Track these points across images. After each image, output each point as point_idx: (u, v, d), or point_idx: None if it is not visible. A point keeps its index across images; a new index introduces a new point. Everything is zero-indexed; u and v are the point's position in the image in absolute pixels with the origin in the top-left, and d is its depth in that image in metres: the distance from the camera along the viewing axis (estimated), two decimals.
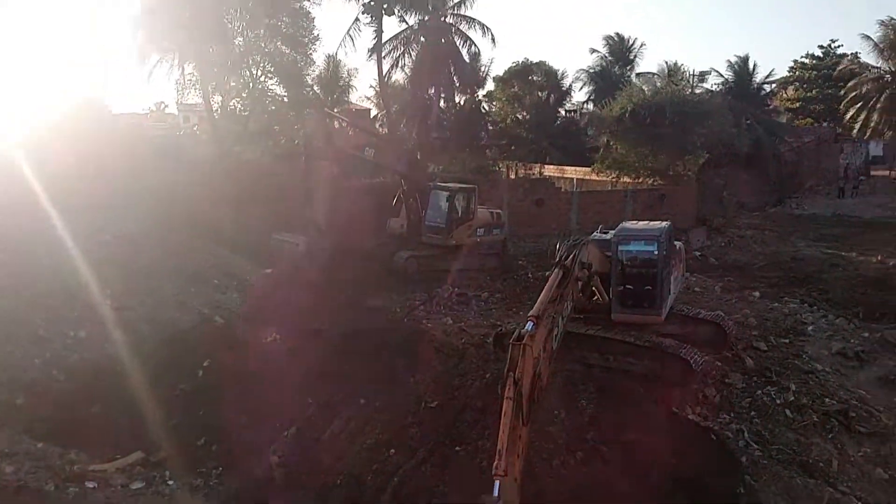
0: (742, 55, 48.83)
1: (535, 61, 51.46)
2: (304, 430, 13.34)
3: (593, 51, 55.89)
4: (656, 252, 13.91)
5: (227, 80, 32.01)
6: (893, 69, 47.16)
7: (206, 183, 25.11)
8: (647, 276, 13.90)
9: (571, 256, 11.71)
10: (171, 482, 12.07)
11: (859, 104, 48.28)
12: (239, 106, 33.57)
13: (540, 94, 51.48)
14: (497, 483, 8.53)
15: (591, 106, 55.49)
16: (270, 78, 33.25)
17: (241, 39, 31.95)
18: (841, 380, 15.30)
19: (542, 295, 10.62)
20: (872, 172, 51.66)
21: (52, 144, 23.87)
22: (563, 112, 55.24)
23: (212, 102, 32.92)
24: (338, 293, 19.29)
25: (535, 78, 51.30)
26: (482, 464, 11.08)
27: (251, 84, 32.51)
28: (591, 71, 55.71)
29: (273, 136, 33.40)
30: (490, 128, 52.60)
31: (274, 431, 13.39)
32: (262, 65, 32.64)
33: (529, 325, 9.81)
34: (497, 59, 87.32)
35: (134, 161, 25.13)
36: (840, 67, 52.08)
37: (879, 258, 26.88)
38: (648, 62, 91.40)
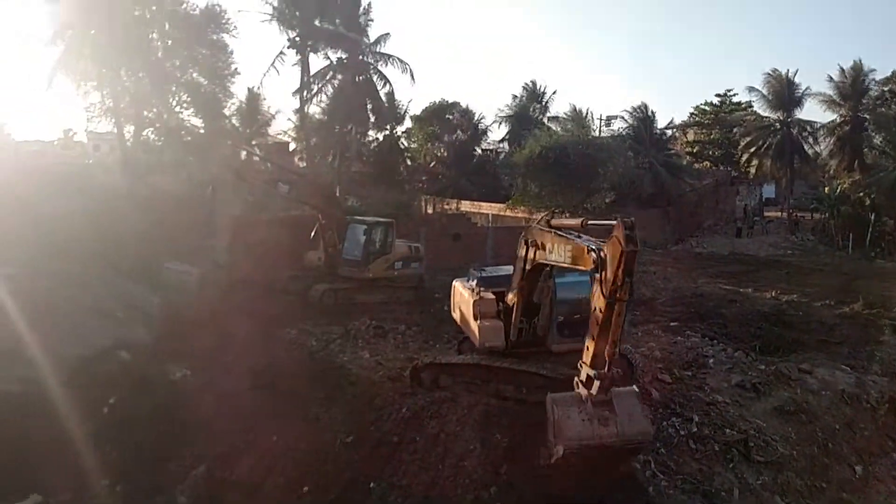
0: (641, 103, 51.55)
1: (451, 101, 52.96)
2: (214, 468, 12.96)
3: (515, 97, 58.26)
4: (589, 281, 14.41)
5: (147, 109, 31.15)
6: (781, 118, 50.71)
7: (111, 213, 24.20)
8: (582, 304, 14.33)
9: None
10: None
11: (753, 149, 51.53)
12: (153, 136, 32.71)
13: (459, 133, 52.73)
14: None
15: (506, 145, 57.13)
16: (187, 108, 32.67)
17: (159, 69, 31.31)
18: (740, 411, 15.89)
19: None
20: (766, 213, 55.03)
21: None
22: (479, 151, 56.56)
23: (124, 132, 31.94)
24: (251, 326, 18.91)
25: (451, 117, 52.57)
26: (396, 500, 11.05)
27: (166, 114, 31.78)
28: (509, 114, 57.57)
29: (188, 167, 32.65)
30: (409, 163, 53.31)
31: (182, 470, 12.96)
32: (178, 95, 32.02)
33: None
34: (415, 99, 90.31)
35: (34, 190, 24.05)
36: (733, 117, 55.55)
37: (773, 294, 28.34)
38: (561, 105, 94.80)
